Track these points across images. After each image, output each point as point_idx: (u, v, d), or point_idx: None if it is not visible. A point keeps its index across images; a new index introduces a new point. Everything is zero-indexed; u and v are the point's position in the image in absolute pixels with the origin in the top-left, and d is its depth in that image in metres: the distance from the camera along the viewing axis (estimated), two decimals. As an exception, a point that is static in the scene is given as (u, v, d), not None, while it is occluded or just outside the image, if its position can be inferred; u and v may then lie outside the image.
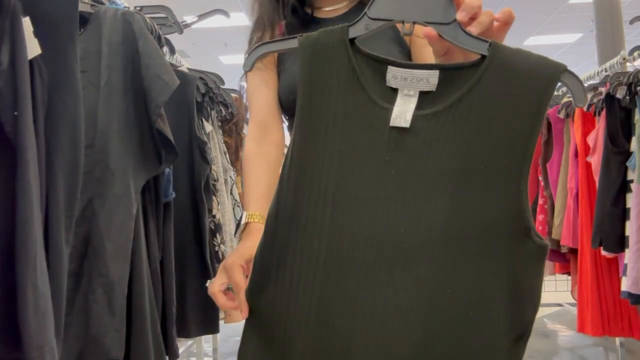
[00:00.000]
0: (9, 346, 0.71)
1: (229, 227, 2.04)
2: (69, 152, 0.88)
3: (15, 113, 0.70)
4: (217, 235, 1.84)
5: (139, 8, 1.53)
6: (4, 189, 0.71)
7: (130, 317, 1.08)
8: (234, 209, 2.15)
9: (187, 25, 2.00)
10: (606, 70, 2.64)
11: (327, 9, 1.07)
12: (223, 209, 2.00)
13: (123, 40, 1.16)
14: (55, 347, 0.75)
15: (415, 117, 0.64)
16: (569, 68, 0.63)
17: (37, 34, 0.78)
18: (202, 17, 2.15)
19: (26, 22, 0.76)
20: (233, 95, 2.48)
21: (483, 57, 0.64)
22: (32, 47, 0.76)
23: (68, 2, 0.89)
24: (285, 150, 0.84)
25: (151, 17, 1.40)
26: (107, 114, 1.11)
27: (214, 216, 1.83)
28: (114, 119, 1.12)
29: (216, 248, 1.82)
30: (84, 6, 1.19)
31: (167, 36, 1.65)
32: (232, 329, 4.13)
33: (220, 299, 0.82)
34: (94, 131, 1.09)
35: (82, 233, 1.04)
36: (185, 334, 1.55)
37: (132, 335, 1.08)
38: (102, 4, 1.27)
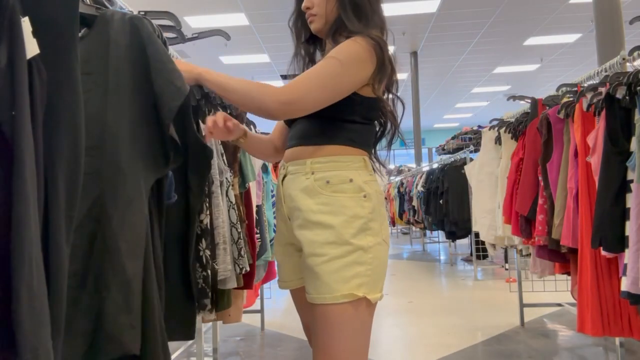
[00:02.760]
0: (4, 348, 0.71)
1: (222, 229, 2.01)
2: (70, 153, 0.87)
3: (13, 113, 0.70)
4: (203, 240, 1.80)
5: (143, 13, 1.53)
6: (1, 189, 0.71)
7: (144, 313, 1.10)
8: (229, 210, 2.13)
9: (186, 40, 2.00)
10: (606, 70, 2.64)
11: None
12: (217, 211, 1.98)
13: (131, 44, 1.17)
14: (51, 350, 0.74)
15: None
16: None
17: (37, 34, 0.77)
18: (201, 35, 2.17)
19: (25, 22, 0.75)
20: (232, 96, 2.46)
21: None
22: (31, 47, 0.76)
23: (69, 3, 0.89)
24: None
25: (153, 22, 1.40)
26: (115, 116, 1.13)
27: (201, 221, 1.81)
28: (123, 120, 1.13)
29: (200, 253, 1.79)
30: (88, 8, 1.20)
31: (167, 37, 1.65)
32: (232, 329, 4.14)
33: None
34: (102, 132, 1.10)
35: (86, 232, 1.05)
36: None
37: (145, 331, 1.09)
38: (105, 7, 1.27)
